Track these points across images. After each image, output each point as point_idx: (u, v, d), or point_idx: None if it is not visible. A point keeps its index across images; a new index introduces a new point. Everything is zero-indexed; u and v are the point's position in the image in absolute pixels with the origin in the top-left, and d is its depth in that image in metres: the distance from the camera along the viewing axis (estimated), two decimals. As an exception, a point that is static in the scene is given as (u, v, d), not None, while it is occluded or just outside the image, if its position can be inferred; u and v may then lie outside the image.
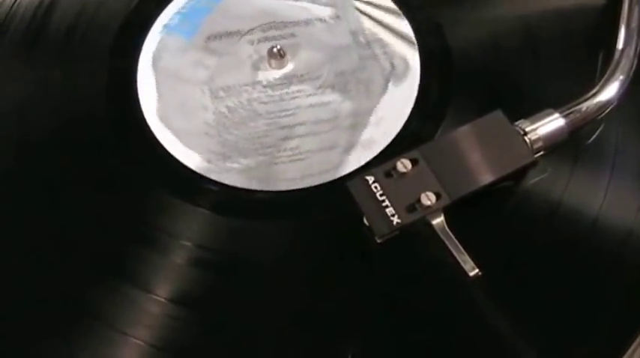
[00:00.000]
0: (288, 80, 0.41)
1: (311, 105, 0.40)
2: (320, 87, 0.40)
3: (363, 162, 0.38)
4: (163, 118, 0.40)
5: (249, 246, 0.36)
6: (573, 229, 0.35)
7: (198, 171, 0.38)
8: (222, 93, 0.40)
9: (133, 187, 0.38)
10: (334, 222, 0.36)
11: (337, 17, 0.43)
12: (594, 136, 0.38)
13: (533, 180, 0.36)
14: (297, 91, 0.40)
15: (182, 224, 0.36)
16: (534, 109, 0.37)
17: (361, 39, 0.42)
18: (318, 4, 0.43)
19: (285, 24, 0.43)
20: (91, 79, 0.41)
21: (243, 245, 0.36)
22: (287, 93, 0.40)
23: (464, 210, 0.34)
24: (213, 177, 0.38)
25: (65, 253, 0.36)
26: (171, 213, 0.37)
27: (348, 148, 0.38)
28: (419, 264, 0.35)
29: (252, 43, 0.42)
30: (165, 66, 0.41)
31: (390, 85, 0.40)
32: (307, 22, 0.43)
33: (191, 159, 0.38)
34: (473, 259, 0.32)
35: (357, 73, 0.41)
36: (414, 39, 0.42)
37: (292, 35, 0.42)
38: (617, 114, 0.38)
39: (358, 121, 0.39)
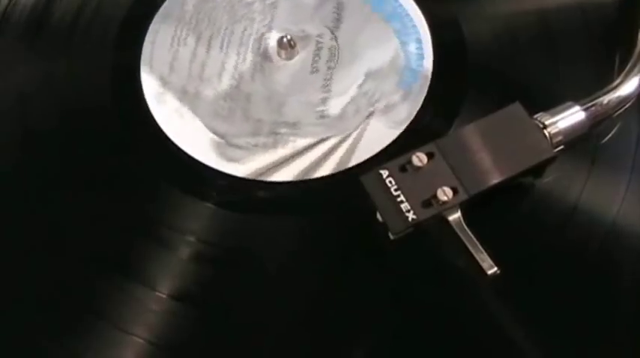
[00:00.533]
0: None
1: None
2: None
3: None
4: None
5: (256, 242, 0.35)
6: (590, 231, 0.34)
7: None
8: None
9: (138, 181, 0.37)
10: (346, 216, 0.35)
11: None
12: (612, 133, 0.37)
13: (549, 178, 0.35)
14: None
15: (188, 219, 0.35)
16: (551, 103, 0.35)
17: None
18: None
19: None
20: (96, 71, 0.40)
21: (250, 240, 0.35)
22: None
23: (477, 209, 0.33)
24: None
25: (68, 249, 0.35)
26: (182, 209, 0.36)
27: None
28: (431, 262, 0.34)
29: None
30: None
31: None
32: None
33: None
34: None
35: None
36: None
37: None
38: (636, 112, 0.37)
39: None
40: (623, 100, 0.36)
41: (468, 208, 0.32)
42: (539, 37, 0.40)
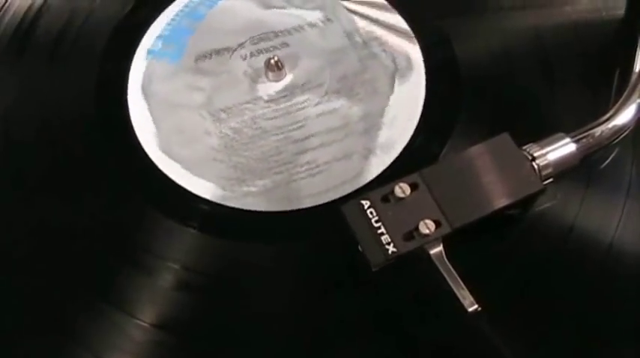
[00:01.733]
0: (290, 91, 0.39)
1: (319, 115, 0.38)
2: (325, 94, 0.39)
3: (386, 166, 0.36)
4: (165, 150, 0.37)
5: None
6: (585, 259, 0.33)
7: (214, 200, 0.36)
8: (223, 115, 0.38)
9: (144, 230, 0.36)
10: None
11: (328, 20, 0.41)
12: (608, 161, 0.36)
13: (541, 207, 0.34)
14: (303, 102, 0.39)
15: (197, 255, 0.35)
16: (546, 124, 0.35)
17: (357, 39, 0.40)
18: (306, 8, 0.42)
19: (275, 34, 0.41)
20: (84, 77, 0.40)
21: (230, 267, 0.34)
22: (292, 105, 0.38)
23: (467, 238, 0.32)
24: (231, 204, 0.36)
25: (52, 273, 0.35)
26: (194, 247, 0.35)
27: (367, 154, 0.36)
28: (425, 291, 0.33)
29: (244, 57, 0.40)
30: (156, 93, 0.39)
31: (397, 83, 0.38)
32: (298, 29, 0.41)
33: (205, 188, 0.36)
34: (476, 290, 0.30)
35: (360, 75, 0.39)
36: (411, 34, 0.40)
37: (285, 44, 0.40)
38: (632, 137, 0.36)
39: (371, 124, 0.37)
40: (618, 131, 0.35)
41: (455, 238, 0.32)
42: (534, 61, 0.39)
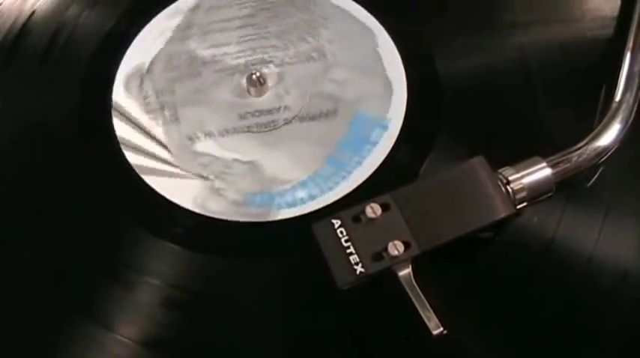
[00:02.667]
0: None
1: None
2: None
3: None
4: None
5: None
6: (562, 280, 0.34)
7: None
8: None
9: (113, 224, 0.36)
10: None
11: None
12: (595, 177, 0.36)
13: (518, 227, 0.34)
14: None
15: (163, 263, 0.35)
16: (527, 144, 0.35)
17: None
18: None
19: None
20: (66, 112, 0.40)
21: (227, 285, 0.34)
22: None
23: (445, 256, 0.32)
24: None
25: (30, 286, 0.35)
26: (175, 261, 0.35)
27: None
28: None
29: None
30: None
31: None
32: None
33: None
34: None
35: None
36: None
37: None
38: (612, 158, 0.36)
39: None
40: (596, 156, 0.35)
41: (431, 258, 0.32)
42: (518, 80, 0.39)
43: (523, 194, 0.33)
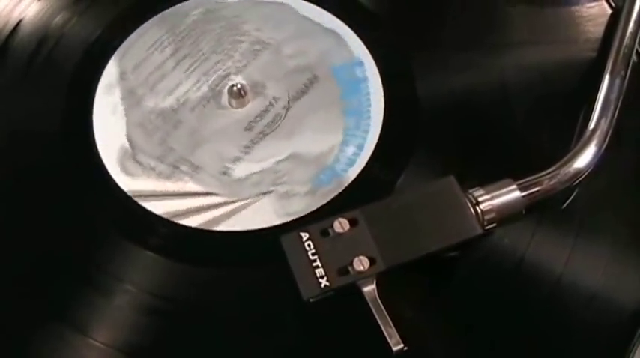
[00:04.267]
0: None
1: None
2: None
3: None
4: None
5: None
6: (529, 299, 0.34)
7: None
8: None
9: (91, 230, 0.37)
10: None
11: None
12: (572, 197, 0.36)
13: (488, 245, 0.35)
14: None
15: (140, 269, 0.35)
16: (503, 165, 0.36)
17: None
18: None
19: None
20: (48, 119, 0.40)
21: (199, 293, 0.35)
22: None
23: (412, 276, 0.33)
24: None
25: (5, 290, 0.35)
26: (151, 268, 0.36)
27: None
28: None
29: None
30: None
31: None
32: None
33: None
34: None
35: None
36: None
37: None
38: (586, 181, 0.36)
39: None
40: (569, 179, 0.35)
41: (401, 275, 0.32)
42: (497, 100, 0.39)
43: (492, 215, 0.33)
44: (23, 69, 0.42)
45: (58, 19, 0.43)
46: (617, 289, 0.34)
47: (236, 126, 0.39)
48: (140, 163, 0.38)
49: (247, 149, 0.39)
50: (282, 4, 0.43)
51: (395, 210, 0.33)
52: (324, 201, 0.37)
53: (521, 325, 0.34)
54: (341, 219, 0.32)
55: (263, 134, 0.39)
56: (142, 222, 0.37)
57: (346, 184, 0.37)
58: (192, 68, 0.41)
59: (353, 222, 0.32)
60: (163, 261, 0.35)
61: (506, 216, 0.34)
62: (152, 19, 0.43)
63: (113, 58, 0.41)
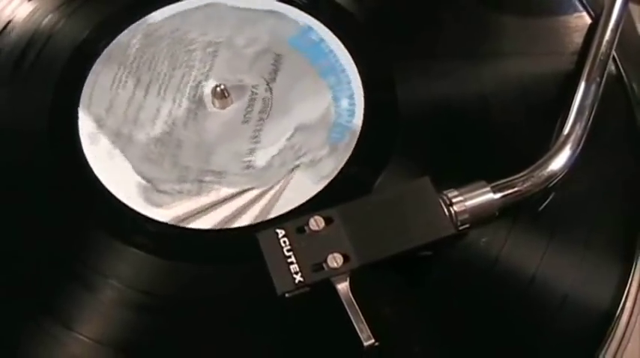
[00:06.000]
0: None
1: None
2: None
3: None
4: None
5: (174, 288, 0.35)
6: (502, 300, 0.35)
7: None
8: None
9: (65, 221, 0.38)
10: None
11: None
12: (548, 201, 0.37)
13: (463, 245, 0.36)
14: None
15: (112, 263, 0.36)
16: (479, 169, 0.36)
17: None
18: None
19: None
20: (34, 109, 0.41)
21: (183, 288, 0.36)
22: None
23: (388, 274, 0.34)
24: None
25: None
26: (106, 252, 0.36)
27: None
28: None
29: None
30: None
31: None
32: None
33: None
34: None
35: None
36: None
37: None
38: (563, 184, 0.37)
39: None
40: (542, 182, 0.36)
41: (378, 273, 0.33)
42: (476, 106, 0.40)
43: (465, 216, 0.34)
44: (11, 69, 0.42)
45: (47, 21, 0.44)
46: (589, 290, 0.35)
47: (234, 123, 0.40)
48: (165, 192, 0.38)
49: (256, 138, 0.40)
50: (210, 4, 0.44)
51: (370, 209, 0.34)
52: (349, 153, 0.39)
53: (495, 324, 0.34)
54: (316, 217, 0.33)
55: (262, 120, 0.40)
56: (128, 220, 0.37)
57: (358, 132, 0.39)
58: (162, 90, 0.41)
59: (328, 220, 0.33)
60: (155, 259, 0.36)
61: (480, 217, 0.34)
62: (98, 59, 0.42)
63: (81, 109, 0.41)
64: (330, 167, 0.38)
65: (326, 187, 0.38)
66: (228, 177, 0.39)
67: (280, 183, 0.38)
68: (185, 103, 0.41)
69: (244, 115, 0.40)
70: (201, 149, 0.39)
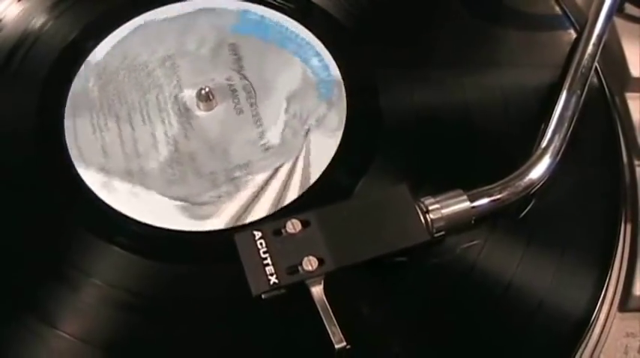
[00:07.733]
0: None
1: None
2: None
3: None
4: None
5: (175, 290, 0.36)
6: (479, 303, 0.35)
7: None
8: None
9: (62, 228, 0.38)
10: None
11: None
12: (529, 208, 0.37)
13: (439, 251, 0.36)
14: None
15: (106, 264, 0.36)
16: (459, 178, 0.37)
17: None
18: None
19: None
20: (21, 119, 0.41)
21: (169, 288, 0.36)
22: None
23: (364, 279, 0.34)
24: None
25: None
26: (118, 264, 0.37)
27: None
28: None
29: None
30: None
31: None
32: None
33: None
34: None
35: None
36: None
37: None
38: (542, 192, 0.37)
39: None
40: (519, 192, 0.36)
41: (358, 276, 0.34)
42: (459, 115, 0.41)
43: (441, 223, 0.34)
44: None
45: (36, 21, 0.44)
46: (564, 296, 0.35)
47: (230, 118, 0.41)
48: (207, 202, 0.38)
49: (258, 122, 0.41)
50: (141, 25, 0.44)
51: (347, 213, 0.34)
52: (345, 102, 0.41)
53: (470, 329, 0.35)
54: (293, 220, 0.33)
55: (254, 105, 0.41)
56: (110, 219, 0.38)
57: (341, 82, 0.42)
58: (145, 117, 0.41)
59: (305, 224, 0.33)
60: (134, 258, 0.36)
61: (455, 224, 0.35)
62: (66, 111, 0.41)
63: (79, 168, 0.39)
64: (336, 120, 0.41)
65: (315, 182, 0.39)
66: (255, 164, 0.39)
67: (304, 150, 0.40)
68: (174, 119, 0.41)
69: (235, 107, 0.41)
70: (216, 151, 0.40)
